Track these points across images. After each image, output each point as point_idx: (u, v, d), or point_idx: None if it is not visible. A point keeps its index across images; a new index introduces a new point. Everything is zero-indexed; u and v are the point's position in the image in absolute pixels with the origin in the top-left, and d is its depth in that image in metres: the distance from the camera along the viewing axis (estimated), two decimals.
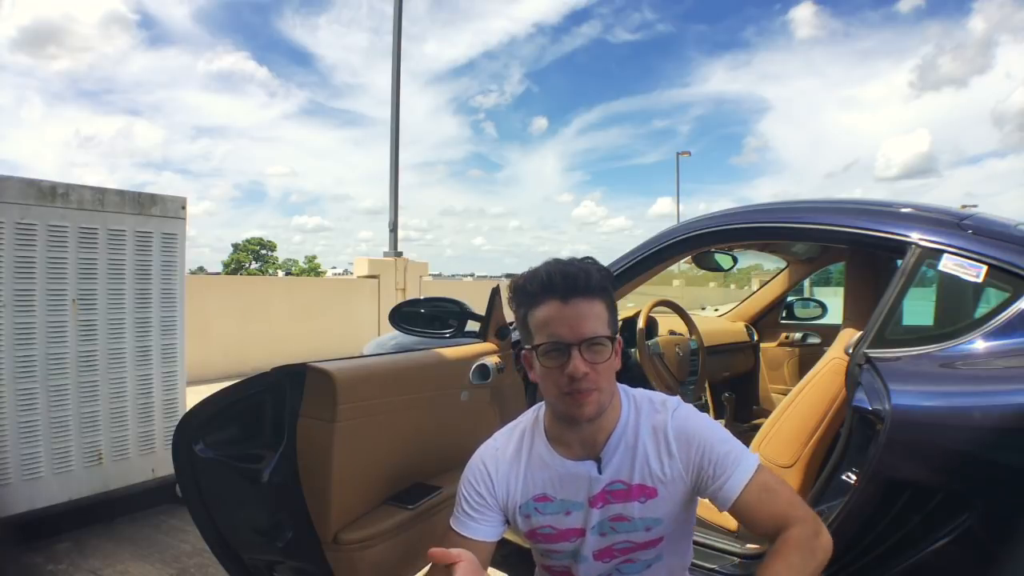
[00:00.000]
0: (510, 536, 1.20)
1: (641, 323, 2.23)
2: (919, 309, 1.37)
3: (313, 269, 46.11)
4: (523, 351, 0.96)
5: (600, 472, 0.96)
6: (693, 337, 2.50)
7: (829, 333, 2.37)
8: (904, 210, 1.47)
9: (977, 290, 1.30)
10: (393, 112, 8.19)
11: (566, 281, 0.90)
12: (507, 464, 1.00)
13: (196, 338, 3.81)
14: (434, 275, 11.55)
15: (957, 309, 1.33)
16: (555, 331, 0.89)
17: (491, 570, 2.00)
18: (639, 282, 1.90)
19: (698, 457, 0.93)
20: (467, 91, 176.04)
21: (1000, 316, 1.22)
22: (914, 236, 1.36)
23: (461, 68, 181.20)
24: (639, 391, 1.02)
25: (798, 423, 1.58)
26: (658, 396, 1.01)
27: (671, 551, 1.01)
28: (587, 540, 0.98)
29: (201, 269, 39.79)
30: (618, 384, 0.98)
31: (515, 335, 1.85)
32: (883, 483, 1.17)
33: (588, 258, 0.95)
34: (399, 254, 7.96)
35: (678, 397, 1.01)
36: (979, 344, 1.22)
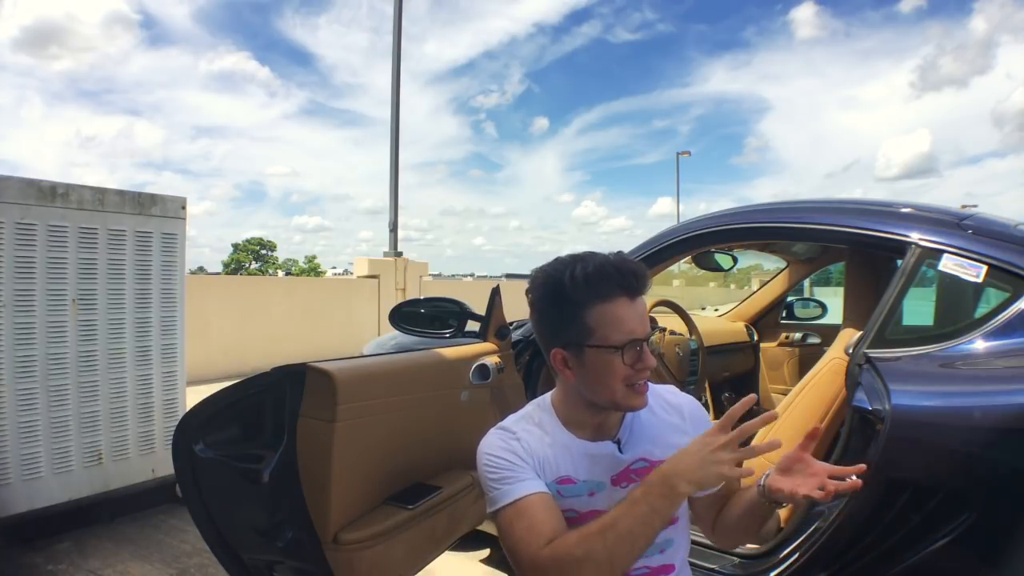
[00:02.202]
0: None
1: None
2: (919, 309, 1.37)
3: (313, 269, 46.10)
4: (572, 347, 0.91)
5: (621, 451, 0.98)
6: (693, 337, 2.50)
7: (829, 333, 2.37)
8: (904, 210, 1.47)
9: (977, 290, 1.30)
10: (393, 112, 8.21)
11: (638, 280, 0.91)
12: (526, 444, 0.96)
13: (196, 338, 3.81)
14: (434, 275, 11.55)
15: (957, 309, 1.33)
16: (632, 328, 0.90)
17: (491, 570, 2.00)
18: None
19: None
20: (467, 91, 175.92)
21: (1000, 316, 1.22)
22: (914, 236, 1.36)
23: (461, 68, 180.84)
24: None
25: (798, 423, 1.59)
26: (659, 385, 1.07)
27: (682, 536, 1.02)
28: None
29: (201, 269, 39.82)
30: None
31: (516, 335, 1.85)
32: (883, 483, 1.17)
33: (619, 252, 0.94)
34: (399, 254, 7.97)
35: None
36: (979, 344, 1.22)
